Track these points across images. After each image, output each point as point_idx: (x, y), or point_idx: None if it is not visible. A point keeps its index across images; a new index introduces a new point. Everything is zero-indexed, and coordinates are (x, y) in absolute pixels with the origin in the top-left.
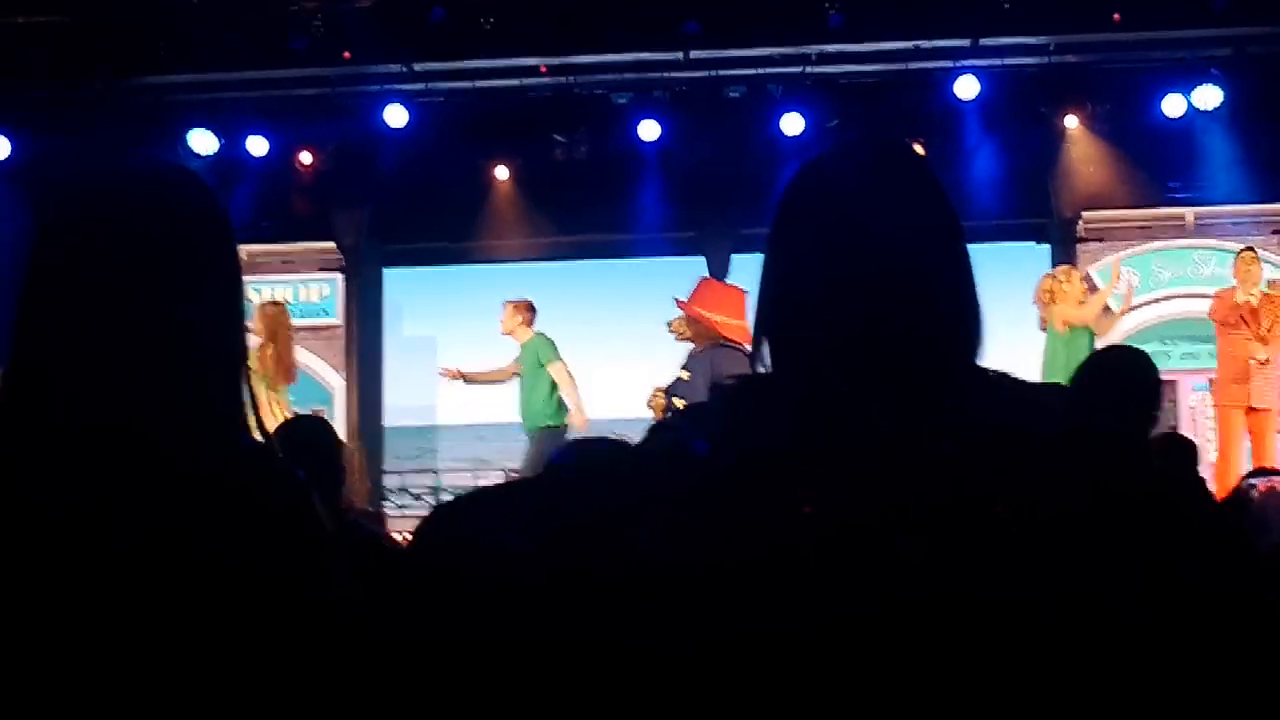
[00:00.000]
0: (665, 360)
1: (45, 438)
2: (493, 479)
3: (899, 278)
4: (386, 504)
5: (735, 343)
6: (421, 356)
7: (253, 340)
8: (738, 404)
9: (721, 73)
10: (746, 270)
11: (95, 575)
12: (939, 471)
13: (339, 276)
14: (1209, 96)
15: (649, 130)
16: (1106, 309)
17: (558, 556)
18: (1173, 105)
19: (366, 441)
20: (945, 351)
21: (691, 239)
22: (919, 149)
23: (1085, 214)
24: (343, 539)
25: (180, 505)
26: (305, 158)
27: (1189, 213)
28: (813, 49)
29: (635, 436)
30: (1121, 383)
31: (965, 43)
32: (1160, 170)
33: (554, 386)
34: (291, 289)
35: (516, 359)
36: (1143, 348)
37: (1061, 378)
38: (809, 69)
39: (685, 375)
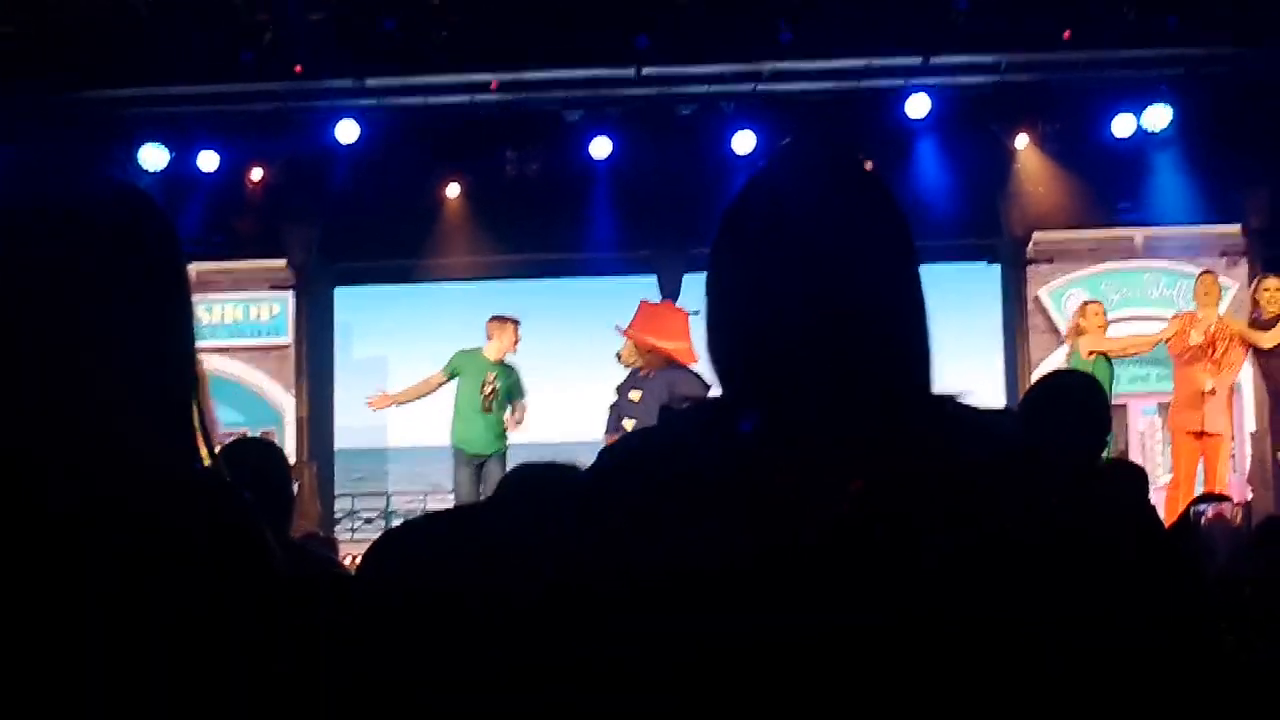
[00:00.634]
0: (617, 381)
1: None
2: (444, 503)
3: (849, 296)
4: (338, 529)
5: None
6: (373, 377)
7: None
8: (688, 426)
9: (673, 90)
10: (700, 289)
11: (29, 606)
12: (883, 495)
13: (289, 295)
14: (1159, 117)
15: (601, 147)
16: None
17: (507, 582)
18: (1123, 125)
19: (317, 464)
20: (894, 373)
21: (644, 258)
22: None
23: (1036, 234)
24: (290, 565)
25: (123, 531)
26: (256, 174)
27: (1139, 234)
28: (764, 66)
29: (586, 459)
30: (1070, 407)
31: (916, 61)
32: (1110, 190)
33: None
34: (241, 308)
35: (444, 369)
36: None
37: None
38: (760, 86)
39: (636, 397)
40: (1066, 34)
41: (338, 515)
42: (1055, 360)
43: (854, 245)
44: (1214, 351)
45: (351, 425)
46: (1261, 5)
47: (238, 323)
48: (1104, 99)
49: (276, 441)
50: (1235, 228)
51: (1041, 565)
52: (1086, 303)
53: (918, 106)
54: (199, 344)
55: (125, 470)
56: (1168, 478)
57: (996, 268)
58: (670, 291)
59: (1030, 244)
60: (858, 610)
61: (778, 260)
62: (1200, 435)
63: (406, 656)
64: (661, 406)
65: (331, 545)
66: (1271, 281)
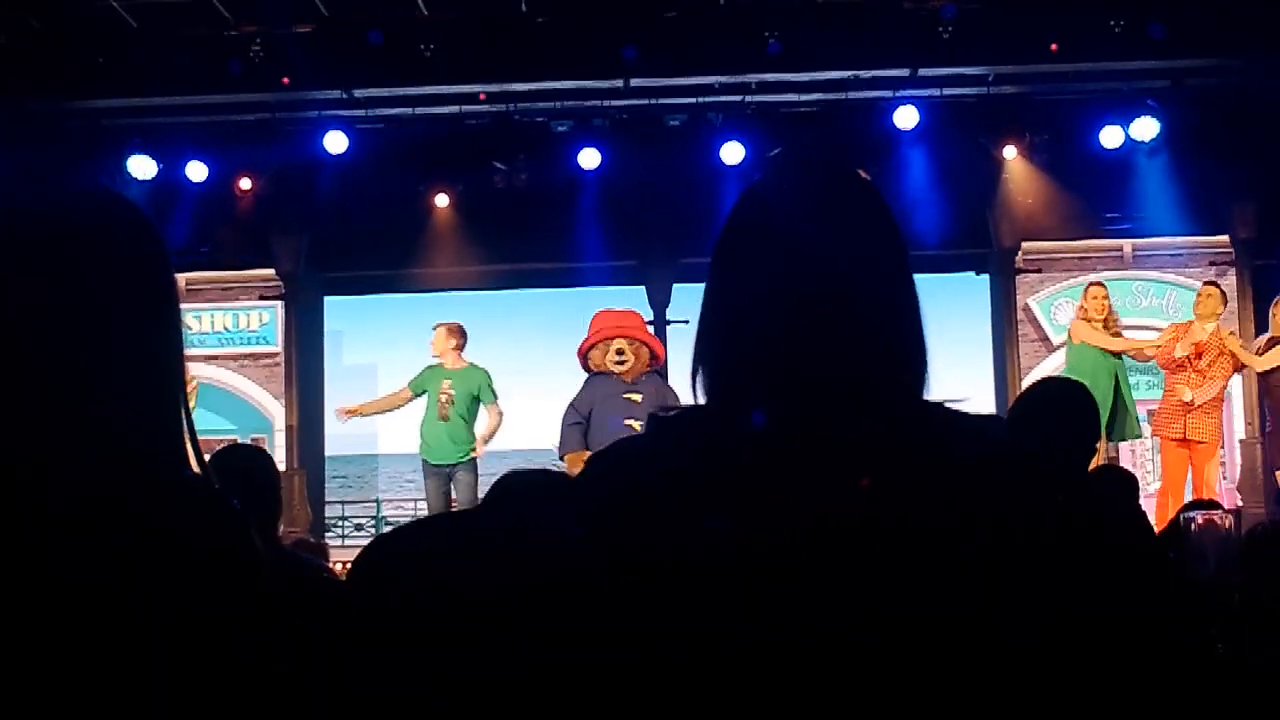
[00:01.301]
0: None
1: None
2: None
3: (845, 307)
4: (328, 535)
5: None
6: (362, 384)
7: None
8: (675, 435)
9: (662, 101)
10: (688, 300)
11: (23, 612)
12: (876, 500)
13: (278, 304)
14: (1146, 128)
15: (589, 159)
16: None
17: (502, 583)
18: (1110, 136)
19: (307, 470)
20: (890, 376)
21: (632, 268)
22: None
23: (1025, 245)
24: (279, 572)
25: (122, 532)
26: (244, 184)
27: (1127, 244)
28: (753, 78)
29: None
30: (1059, 414)
31: (904, 73)
32: (1098, 201)
33: (473, 421)
34: (231, 316)
35: (411, 383)
36: (1080, 379)
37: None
38: (749, 98)
39: (637, 398)
40: (1054, 46)
41: (328, 521)
42: (1044, 369)
43: (850, 250)
44: (1199, 363)
45: (341, 432)
46: (1248, 18)
47: (227, 331)
48: (1092, 110)
49: (267, 449)
50: (1223, 238)
51: (1035, 567)
52: (1091, 284)
53: (906, 118)
54: (188, 352)
55: (121, 473)
56: (1158, 484)
57: (985, 278)
58: (659, 301)
59: (1019, 254)
60: (857, 610)
61: (776, 266)
62: (1184, 443)
63: (404, 657)
64: (650, 414)
65: (322, 551)
66: None
